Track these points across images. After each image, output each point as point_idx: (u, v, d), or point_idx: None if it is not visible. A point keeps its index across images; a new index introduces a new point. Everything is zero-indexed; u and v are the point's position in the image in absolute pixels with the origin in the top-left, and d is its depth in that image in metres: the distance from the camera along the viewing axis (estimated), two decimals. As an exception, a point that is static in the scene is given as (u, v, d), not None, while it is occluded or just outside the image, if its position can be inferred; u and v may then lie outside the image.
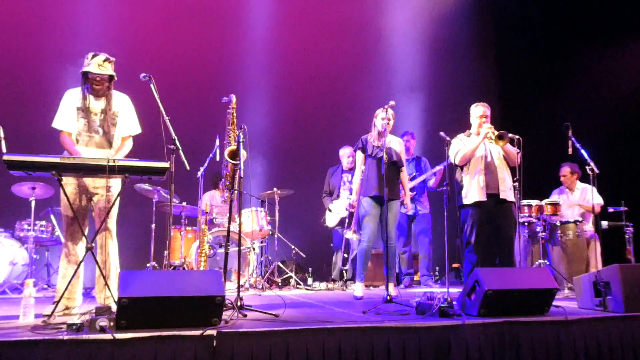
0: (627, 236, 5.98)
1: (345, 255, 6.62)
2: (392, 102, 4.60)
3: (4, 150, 3.88)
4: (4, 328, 2.85)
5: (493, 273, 3.39)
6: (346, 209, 6.31)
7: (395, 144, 5.00)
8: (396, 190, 4.91)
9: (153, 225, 6.11)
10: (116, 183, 3.77)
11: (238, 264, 3.77)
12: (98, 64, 3.69)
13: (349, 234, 5.29)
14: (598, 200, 5.98)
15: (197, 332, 2.60)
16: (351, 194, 5.46)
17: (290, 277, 6.53)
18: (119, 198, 3.72)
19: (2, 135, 4.01)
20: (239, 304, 3.39)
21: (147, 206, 6.29)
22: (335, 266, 6.78)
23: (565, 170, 6.25)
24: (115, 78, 3.80)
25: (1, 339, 2.43)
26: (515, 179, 4.80)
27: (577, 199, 6.21)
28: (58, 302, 3.35)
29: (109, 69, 3.73)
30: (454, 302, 3.30)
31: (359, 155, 5.05)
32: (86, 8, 7.31)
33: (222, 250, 5.82)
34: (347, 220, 6.01)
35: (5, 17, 7.06)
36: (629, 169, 7.09)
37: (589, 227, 5.86)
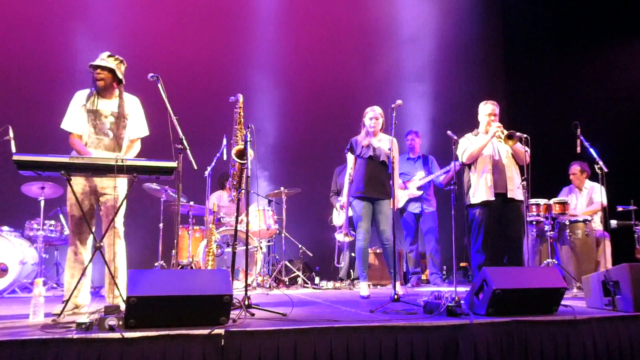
0: (636, 235, 5.93)
1: (352, 255, 6.62)
2: (399, 102, 4.58)
3: (14, 150, 3.91)
4: (15, 327, 2.87)
5: (501, 272, 3.38)
6: (337, 210, 6.35)
7: (386, 142, 4.94)
8: (387, 190, 4.85)
9: (161, 225, 6.14)
10: (122, 183, 3.78)
11: (246, 263, 3.79)
12: (101, 58, 3.75)
13: (340, 237, 5.29)
14: (598, 199, 5.95)
15: (205, 331, 2.61)
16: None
17: (298, 276, 6.54)
18: (124, 197, 3.74)
19: (12, 136, 4.05)
20: (246, 303, 3.40)
21: (155, 205, 6.32)
22: (342, 265, 6.79)
23: (575, 168, 6.20)
24: (122, 79, 3.82)
25: (12, 338, 2.45)
26: (523, 177, 4.78)
27: (585, 201, 6.18)
28: (67, 301, 3.37)
29: (110, 63, 3.75)
30: (462, 302, 3.29)
31: (350, 156, 5.03)
32: (96, 9, 7.35)
33: (229, 250, 5.84)
34: (338, 222, 6.02)
35: (17, 18, 7.11)
36: (638, 167, 7.03)
37: (598, 226, 5.82)
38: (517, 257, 4.83)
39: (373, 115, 4.89)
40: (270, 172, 8.07)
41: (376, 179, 4.79)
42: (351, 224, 5.23)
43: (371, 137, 4.92)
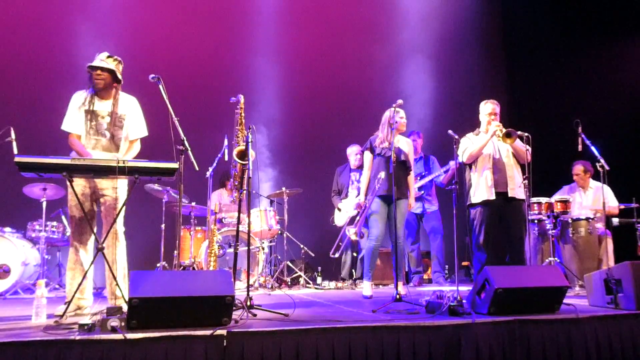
0: (638, 233, 5.92)
1: (354, 254, 6.61)
2: (400, 101, 4.58)
3: (16, 151, 3.92)
4: (17, 328, 2.88)
5: (503, 271, 3.38)
6: (354, 209, 6.29)
7: (404, 144, 4.98)
8: (404, 190, 4.90)
9: (163, 225, 6.14)
10: (122, 184, 3.78)
11: (247, 264, 3.78)
12: (100, 59, 3.75)
13: (351, 231, 5.27)
14: (614, 203, 5.92)
15: (208, 332, 2.61)
16: (360, 193, 5.43)
17: (300, 276, 6.54)
18: (125, 198, 3.74)
19: (14, 137, 4.06)
20: (248, 303, 3.40)
21: (156, 206, 6.32)
22: (344, 265, 6.78)
23: (578, 168, 6.13)
24: (120, 79, 3.82)
25: (14, 340, 2.46)
26: (524, 176, 4.77)
27: (591, 200, 6.15)
28: (69, 302, 3.38)
29: (110, 64, 3.76)
30: (464, 301, 3.29)
31: (367, 156, 5.02)
32: (96, 10, 7.36)
33: (231, 250, 5.84)
34: (356, 219, 5.98)
35: (18, 19, 7.12)
36: (639, 165, 7.02)
37: (600, 225, 5.81)
38: (518, 256, 4.82)
39: (402, 114, 4.87)
40: (271, 172, 8.08)
41: (397, 178, 4.76)
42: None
43: (392, 137, 4.90)
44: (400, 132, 4.92)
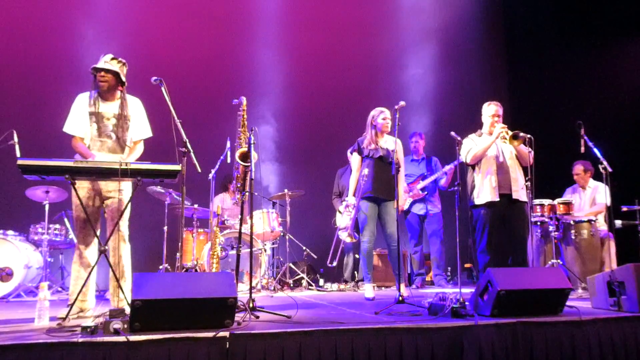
0: (641, 235, 5.91)
1: (357, 256, 6.60)
2: (402, 103, 4.58)
3: (18, 154, 3.93)
4: (20, 331, 2.88)
5: (506, 273, 3.37)
6: (343, 210, 6.30)
7: (391, 144, 4.96)
8: (392, 191, 4.85)
9: (165, 228, 6.15)
10: (127, 186, 3.79)
11: (250, 266, 3.79)
12: (104, 61, 3.75)
13: (344, 235, 5.27)
14: (603, 200, 5.92)
15: (210, 334, 2.61)
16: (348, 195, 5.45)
17: (302, 278, 6.54)
18: (129, 201, 3.74)
19: (16, 140, 4.07)
20: (251, 305, 3.41)
21: (159, 208, 6.33)
22: (346, 267, 6.78)
23: (579, 168, 6.18)
24: (124, 81, 3.83)
25: (17, 342, 2.46)
26: (527, 178, 4.77)
27: (589, 199, 6.15)
28: (72, 304, 3.38)
29: (114, 66, 3.77)
30: (467, 303, 3.28)
31: (356, 157, 5.02)
32: (98, 12, 7.38)
33: (233, 252, 5.84)
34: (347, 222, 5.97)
35: (21, 21, 7.14)
36: (642, 167, 7.00)
37: (602, 226, 5.80)
38: (521, 258, 4.81)
39: (385, 115, 4.89)
40: (273, 174, 8.08)
41: (384, 179, 4.78)
42: (355, 226, 5.21)
43: (379, 138, 4.92)
44: (385, 133, 4.94)
